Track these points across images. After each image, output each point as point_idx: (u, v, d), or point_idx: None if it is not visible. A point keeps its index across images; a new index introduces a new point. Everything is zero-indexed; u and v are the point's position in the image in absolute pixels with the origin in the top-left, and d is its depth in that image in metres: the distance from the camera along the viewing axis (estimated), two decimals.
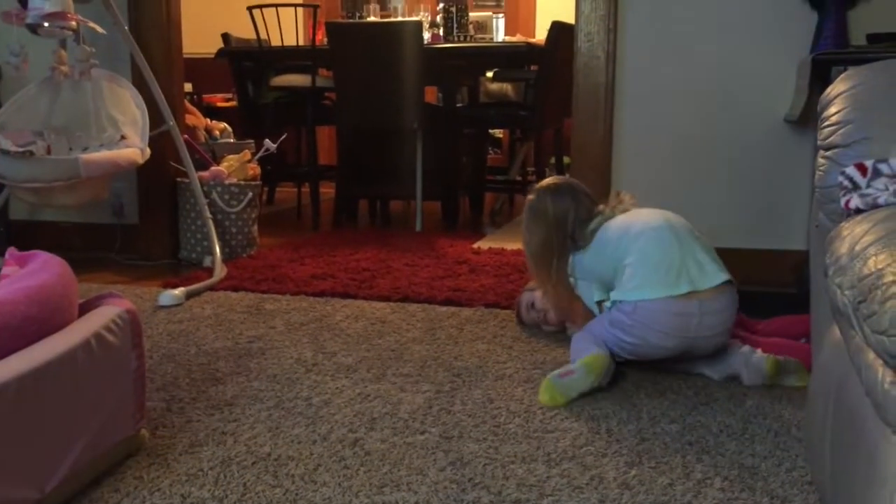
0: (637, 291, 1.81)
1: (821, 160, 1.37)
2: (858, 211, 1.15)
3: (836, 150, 1.33)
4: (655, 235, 1.86)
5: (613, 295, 1.88)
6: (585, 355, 1.82)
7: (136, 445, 1.47)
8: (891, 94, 1.33)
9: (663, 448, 1.52)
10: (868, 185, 1.18)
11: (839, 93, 1.39)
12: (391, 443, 1.53)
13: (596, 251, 1.97)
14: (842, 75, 1.43)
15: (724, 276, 1.82)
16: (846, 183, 1.22)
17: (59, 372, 1.23)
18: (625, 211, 2.01)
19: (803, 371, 1.81)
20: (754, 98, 2.69)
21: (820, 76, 2.34)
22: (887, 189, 1.14)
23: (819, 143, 1.40)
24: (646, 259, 1.83)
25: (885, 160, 1.20)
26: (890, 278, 0.83)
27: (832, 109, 1.38)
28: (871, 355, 0.89)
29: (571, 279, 2.05)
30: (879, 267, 0.87)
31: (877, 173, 1.19)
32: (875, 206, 1.13)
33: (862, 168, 1.21)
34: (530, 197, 2.12)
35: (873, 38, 2.39)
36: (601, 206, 2.04)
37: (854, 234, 1.02)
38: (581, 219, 2.02)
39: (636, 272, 1.83)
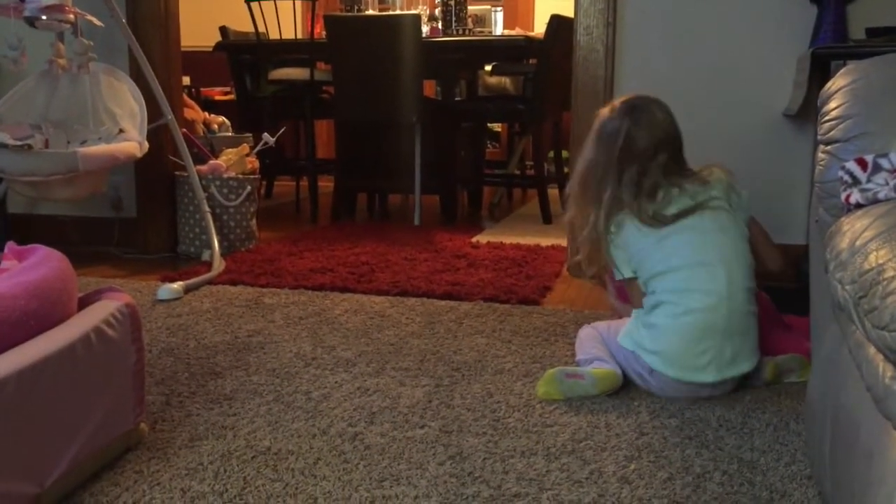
0: (658, 361, 1.72)
1: (821, 155, 1.37)
2: (859, 206, 1.15)
3: (836, 145, 1.33)
4: (704, 318, 1.70)
5: (629, 343, 1.77)
6: (601, 367, 1.77)
7: (135, 439, 1.47)
8: (891, 89, 1.33)
9: (662, 442, 1.52)
10: (868, 180, 1.18)
11: (839, 87, 1.39)
12: (391, 437, 1.53)
13: (635, 244, 1.78)
14: (842, 70, 1.43)
15: (752, 363, 1.74)
16: (846, 178, 1.22)
17: (59, 366, 1.23)
18: (690, 209, 1.75)
19: (806, 366, 1.81)
20: (753, 92, 2.69)
21: (819, 70, 2.34)
22: (888, 184, 1.14)
23: (819, 137, 1.40)
24: (682, 335, 1.71)
25: (885, 155, 1.20)
26: (891, 273, 0.83)
27: (832, 104, 1.38)
28: (872, 350, 0.89)
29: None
30: (880, 262, 0.87)
31: (877, 168, 1.19)
32: (875, 201, 1.13)
33: (862, 163, 1.21)
34: (604, 111, 1.86)
35: (872, 33, 2.39)
36: (684, 182, 1.80)
37: (854, 230, 1.02)
38: (650, 181, 1.76)
39: (663, 339, 1.72)
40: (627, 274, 1.82)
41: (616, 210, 1.80)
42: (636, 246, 1.79)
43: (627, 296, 1.89)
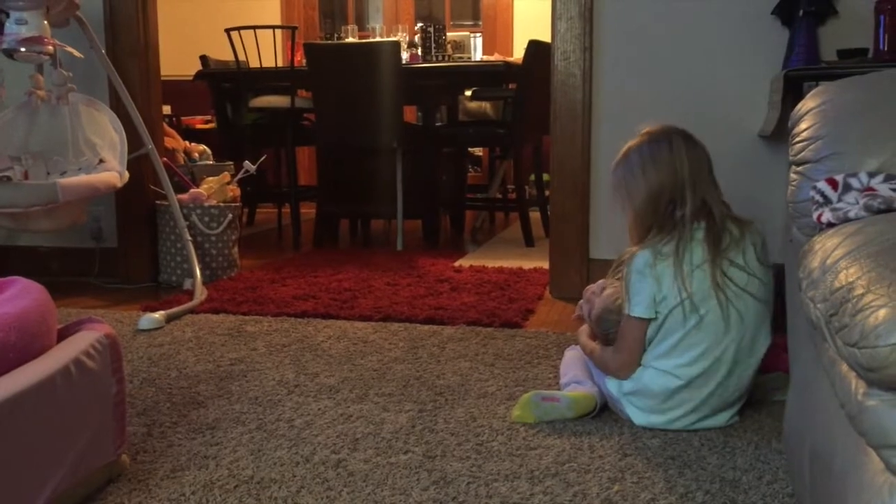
0: (639, 413, 1.70)
1: (793, 175, 1.40)
2: (830, 225, 1.17)
3: (807, 166, 1.35)
4: (707, 367, 1.65)
5: (615, 388, 1.73)
6: (578, 390, 1.77)
7: (116, 471, 1.46)
8: (860, 110, 1.36)
9: (645, 463, 1.53)
10: (839, 200, 1.20)
11: (809, 109, 1.42)
12: (374, 463, 1.52)
13: (658, 277, 1.65)
14: (812, 91, 1.46)
15: (732, 418, 1.71)
16: (818, 197, 1.24)
17: (38, 398, 1.22)
18: (728, 260, 1.64)
19: (788, 384, 1.82)
20: (729, 114, 2.73)
21: (792, 92, 2.37)
22: (858, 203, 1.16)
23: (791, 158, 1.42)
24: (669, 389, 1.67)
25: (855, 174, 1.22)
26: (860, 291, 0.85)
27: (803, 125, 1.41)
28: (845, 367, 0.90)
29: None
30: (850, 280, 0.88)
31: (847, 188, 1.21)
32: (846, 220, 1.15)
33: (833, 183, 1.23)
34: (643, 138, 1.74)
35: (843, 54, 2.44)
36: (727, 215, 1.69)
37: (826, 248, 1.04)
38: (695, 207, 1.65)
39: (648, 394, 1.68)
40: (648, 313, 1.66)
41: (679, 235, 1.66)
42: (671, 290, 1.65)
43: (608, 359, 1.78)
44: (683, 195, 1.67)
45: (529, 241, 4.12)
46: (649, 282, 1.65)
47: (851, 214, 1.14)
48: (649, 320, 1.67)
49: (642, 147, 1.74)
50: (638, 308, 1.66)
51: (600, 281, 1.88)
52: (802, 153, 1.37)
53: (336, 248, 4.17)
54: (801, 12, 2.55)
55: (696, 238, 1.66)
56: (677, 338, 1.66)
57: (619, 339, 1.72)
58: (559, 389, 1.86)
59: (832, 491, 0.95)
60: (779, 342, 2.01)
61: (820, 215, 1.21)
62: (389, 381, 1.99)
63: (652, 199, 1.68)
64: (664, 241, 1.66)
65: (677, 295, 1.63)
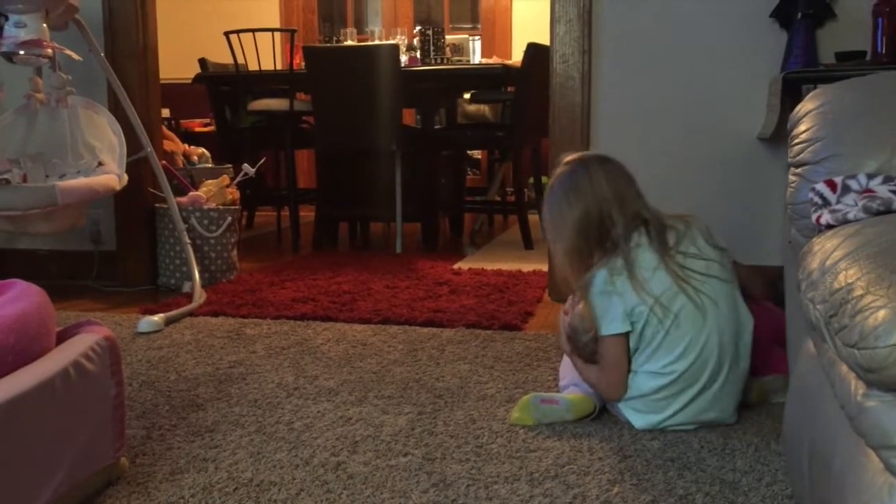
0: (636, 415, 1.71)
1: (792, 177, 1.40)
2: (829, 226, 1.17)
3: (806, 167, 1.35)
4: (695, 359, 1.65)
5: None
6: (577, 393, 1.77)
7: (116, 474, 1.46)
8: (858, 112, 1.36)
9: (645, 465, 1.53)
10: (838, 201, 1.21)
11: (808, 111, 1.42)
12: (374, 465, 1.52)
13: (624, 291, 1.66)
14: (810, 94, 1.46)
15: (733, 414, 1.72)
16: (817, 199, 1.24)
17: (37, 401, 1.22)
18: (682, 253, 1.68)
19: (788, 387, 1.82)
20: (728, 116, 2.73)
21: (791, 94, 2.38)
22: (856, 205, 1.16)
23: (790, 160, 1.42)
24: (659, 385, 1.67)
25: (853, 176, 1.22)
26: (859, 292, 0.85)
27: (801, 127, 1.41)
28: (844, 368, 0.90)
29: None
30: (849, 281, 0.88)
31: (846, 189, 1.21)
32: (845, 222, 1.15)
33: (832, 184, 1.23)
34: (562, 169, 1.75)
35: (841, 57, 2.44)
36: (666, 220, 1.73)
37: (825, 250, 1.04)
38: (627, 221, 1.67)
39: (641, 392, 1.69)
40: (623, 328, 1.67)
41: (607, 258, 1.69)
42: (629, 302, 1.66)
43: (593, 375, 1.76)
44: (611, 215, 1.69)
45: (528, 243, 4.12)
46: (615, 299, 1.66)
47: (850, 216, 1.14)
48: (627, 334, 1.68)
49: (562, 179, 1.75)
50: (612, 325, 1.67)
51: (572, 296, 1.87)
52: (801, 155, 1.37)
53: (335, 251, 4.17)
54: (799, 15, 2.55)
55: (641, 245, 1.68)
56: (658, 340, 1.66)
57: (600, 360, 1.72)
58: (558, 392, 1.86)
59: (832, 492, 0.95)
60: (777, 343, 2.02)
61: (819, 217, 1.21)
62: (389, 384, 1.99)
63: (583, 227, 1.70)
64: (612, 259, 1.69)
65: (643, 303, 1.65)
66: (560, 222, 1.73)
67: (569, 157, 1.78)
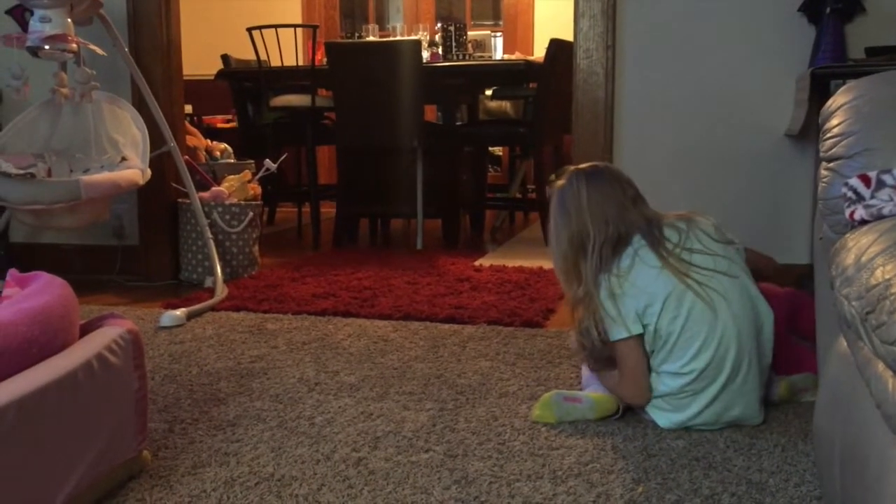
0: (661, 414, 1.69)
1: (824, 172, 1.37)
2: (863, 222, 1.15)
3: (838, 162, 1.33)
4: (713, 356, 1.63)
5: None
6: (600, 392, 1.76)
7: (138, 467, 1.46)
8: (892, 105, 1.33)
9: (670, 464, 1.51)
10: (872, 196, 1.18)
11: (840, 105, 1.39)
12: (395, 461, 1.51)
13: (632, 293, 1.67)
14: (843, 87, 1.43)
15: (759, 413, 1.69)
16: (850, 194, 1.22)
17: (60, 394, 1.22)
18: (687, 250, 1.68)
19: (817, 385, 1.79)
20: (754, 112, 2.70)
21: (819, 90, 2.34)
22: (892, 200, 1.14)
23: (822, 154, 1.39)
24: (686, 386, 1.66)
25: (888, 171, 1.19)
26: None
27: (834, 121, 1.38)
28: (881, 366, 0.88)
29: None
30: (887, 277, 0.86)
31: (881, 184, 1.18)
32: (880, 217, 1.12)
33: (865, 179, 1.21)
34: (559, 182, 1.79)
35: (872, 52, 2.40)
36: (662, 217, 1.73)
37: (860, 245, 1.01)
38: (619, 232, 1.69)
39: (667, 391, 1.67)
40: (636, 329, 1.66)
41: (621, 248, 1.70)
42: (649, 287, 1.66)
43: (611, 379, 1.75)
44: (598, 230, 1.70)
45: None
46: (625, 300, 1.66)
47: (886, 211, 1.11)
48: (641, 336, 1.67)
49: (557, 194, 1.79)
50: (623, 329, 1.66)
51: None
52: (834, 149, 1.34)
53: (356, 248, 4.17)
54: (828, 10, 2.51)
55: (642, 247, 1.69)
56: (673, 340, 1.65)
57: (619, 367, 1.71)
58: (581, 390, 1.84)
59: (867, 494, 0.93)
60: (794, 332, 1.99)
61: (853, 212, 1.18)
62: (410, 380, 1.98)
63: (574, 242, 1.73)
64: (616, 262, 1.69)
65: (657, 293, 1.64)
66: (555, 236, 1.78)
67: (565, 171, 1.81)
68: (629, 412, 1.75)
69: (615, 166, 1.83)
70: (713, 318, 1.64)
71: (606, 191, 1.73)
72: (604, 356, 1.75)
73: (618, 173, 1.78)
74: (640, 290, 1.66)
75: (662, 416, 1.68)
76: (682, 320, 1.64)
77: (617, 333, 1.67)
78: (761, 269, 1.84)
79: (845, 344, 1.11)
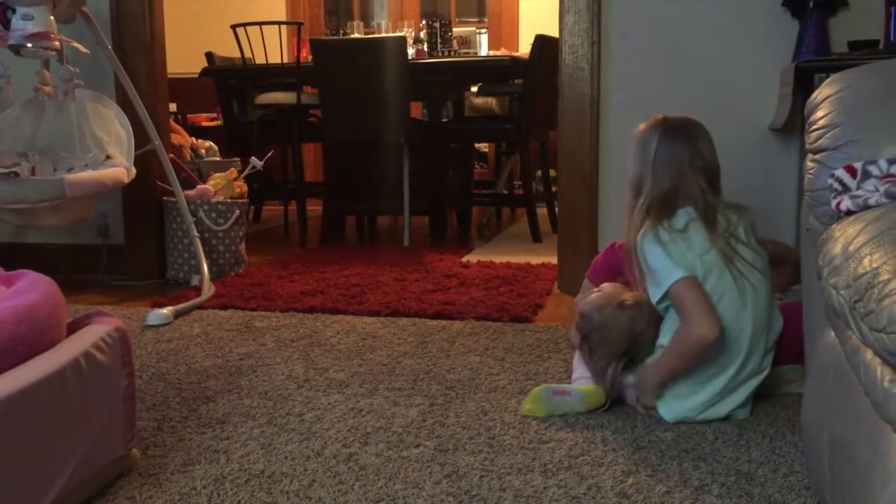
0: (667, 406, 1.70)
1: (809, 164, 1.38)
2: (850, 212, 1.16)
3: (824, 154, 1.33)
4: (727, 346, 1.65)
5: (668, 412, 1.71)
6: (589, 384, 1.77)
7: (127, 465, 1.45)
8: (877, 97, 1.34)
9: (659, 456, 1.51)
10: (858, 187, 1.19)
11: (826, 97, 1.40)
12: (386, 457, 1.51)
13: (684, 247, 1.66)
14: (828, 79, 1.44)
15: (748, 409, 1.72)
16: (836, 185, 1.22)
17: (48, 392, 1.21)
18: (734, 238, 1.70)
19: (804, 376, 1.80)
20: (738, 107, 2.70)
21: (803, 84, 2.35)
22: (877, 190, 1.15)
23: (807, 146, 1.40)
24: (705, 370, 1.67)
25: (874, 161, 1.20)
26: (886, 276, 0.83)
27: (819, 113, 1.39)
28: (870, 354, 0.88)
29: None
30: (875, 265, 0.87)
31: (866, 175, 1.19)
32: (866, 207, 1.13)
33: (851, 170, 1.22)
34: (641, 126, 1.81)
35: (854, 46, 2.41)
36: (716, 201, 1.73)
37: (847, 235, 1.02)
38: (673, 192, 1.70)
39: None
40: (687, 272, 1.63)
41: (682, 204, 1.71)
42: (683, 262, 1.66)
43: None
44: (657, 182, 1.72)
45: (537, 236, 4.10)
46: (676, 248, 1.66)
47: (872, 202, 1.12)
48: (694, 278, 1.63)
49: (638, 136, 1.81)
50: (675, 272, 1.63)
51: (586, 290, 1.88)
52: (819, 141, 1.35)
53: (343, 245, 4.16)
54: (811, 4, 2.53)
55: (694, 220, 1.70)
56: None
57: (681, 314, 1.64)
58: (570, 383, 1.85)
59: (856, 481, 0.94)
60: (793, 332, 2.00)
61: (839, 203, 1.19)
62: (399, 376, 1.98)
63: (634, 185, 1.76)
64: (668, 219, 1.70)
65: (703, 263, 1.65)
66: (629, 171, 1.79)
67: (654, 118, 1.81)
68: (617, 405, 1.76)
69: (707, 134, 1.80)
70: (741, 308, 1.66)
71: (676, 150, 1.73)
72: (586, 330, 1.76)
73: (696, 140, 1.76)
74: (690, 249, 1.66)
75: (668, 408, 1.69)
76: (714, 300, 1.64)
77: (668, 278, 1.63)
78: (787, 258, 1.90)
79: (833, 334, 1.12)
